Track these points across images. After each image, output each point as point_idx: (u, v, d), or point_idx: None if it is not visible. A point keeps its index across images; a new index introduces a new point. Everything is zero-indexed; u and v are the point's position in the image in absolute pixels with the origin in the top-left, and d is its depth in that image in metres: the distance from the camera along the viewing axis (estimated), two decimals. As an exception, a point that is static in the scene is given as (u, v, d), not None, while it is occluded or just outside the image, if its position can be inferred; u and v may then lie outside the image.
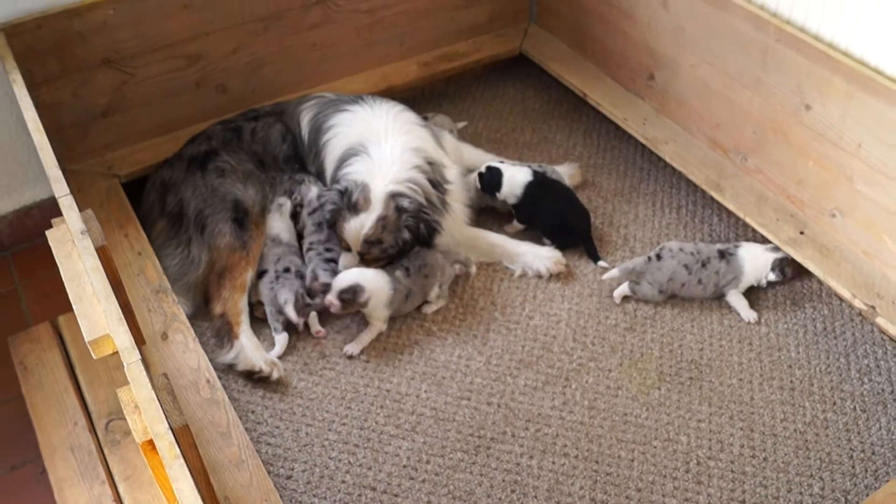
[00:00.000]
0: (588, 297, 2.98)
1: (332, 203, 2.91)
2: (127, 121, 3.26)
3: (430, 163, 2.98)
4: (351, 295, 2.78)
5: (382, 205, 2.83)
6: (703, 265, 2.91)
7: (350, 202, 2.85)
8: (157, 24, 3.12)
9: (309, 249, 3.01)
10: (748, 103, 3.04)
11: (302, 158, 3.19)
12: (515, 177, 3.16)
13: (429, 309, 2.95)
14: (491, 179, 3.17)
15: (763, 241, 3.04)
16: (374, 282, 2.83)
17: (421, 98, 3.87)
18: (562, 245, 3.14)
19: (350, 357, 2.82)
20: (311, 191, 3.07)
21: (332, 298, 2.80)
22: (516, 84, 3.99)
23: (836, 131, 2.78)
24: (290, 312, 2.82)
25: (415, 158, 2.94)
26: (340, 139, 3.05)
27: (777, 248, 2.97)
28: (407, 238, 2.87)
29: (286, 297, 2.84)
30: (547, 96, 3.90)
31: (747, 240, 3.11)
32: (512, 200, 3.17)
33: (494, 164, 3.22)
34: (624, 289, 2.95)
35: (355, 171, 2.92)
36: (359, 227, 2.84)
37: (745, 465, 2.50)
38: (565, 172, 3.38)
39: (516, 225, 3.22)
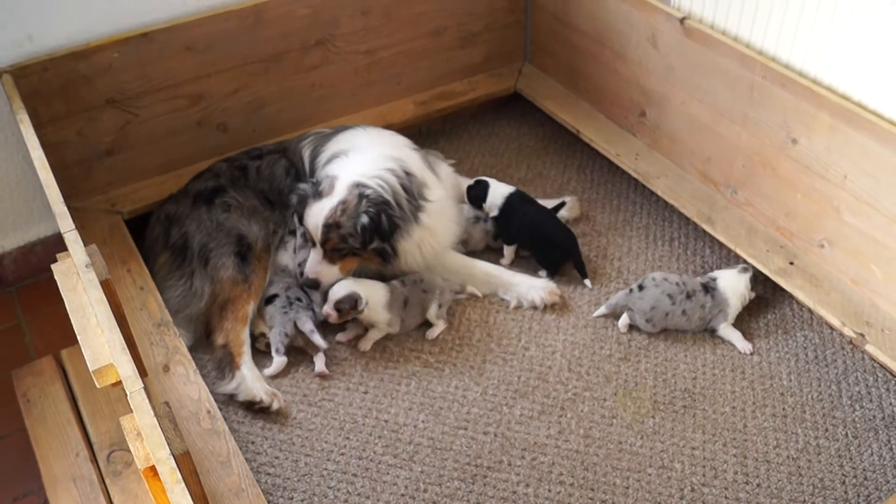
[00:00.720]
0: (583, 328, 3.02)
1: (301, 191, 2.97)
2: (130, 159, 3.33)
3: (408, 173, 3.01)
4: (347, 305, 2.86)
5: (346, 191, 2.88)
6: (688, 297, 2.95)
7: (317, 190, 2.91)
8: (161, 66, 3.21)
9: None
10: (737, 138, 3.11)
11: None
12: (498, 189, 3.27)
13: (431, 334, 3.00)
14: (478, 191, 3.28)
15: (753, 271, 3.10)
16: (367, 288, 2.91)
17: (418, 136, 3.93)
18: (552, 262, 3.21)
19: (363, 351, 2.95)
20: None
21: (328, 309, 2.87)
22: (511, 122, 4.07)
23: (822, 164, 2.84)
24: (318, 339, 2.89)
25: (389, 163, 2.99)
26: (328, 152, 3.13)
27: (746, 267, 3.05)
28: (365, 224, 2.85)
29: (311, 326, 2.91)
30: (541, 133, 3.98)
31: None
32: (494, 212, 3.25)
33: (483, 178, 3.33)
34: (625, 319, 2.99)
35: (329, 169, 3.00)
36: (319, 211, 2.88)
37: (738, 491, 2.53)
38: (564, 207, 3.45)
39: (509, 255, 3.27)
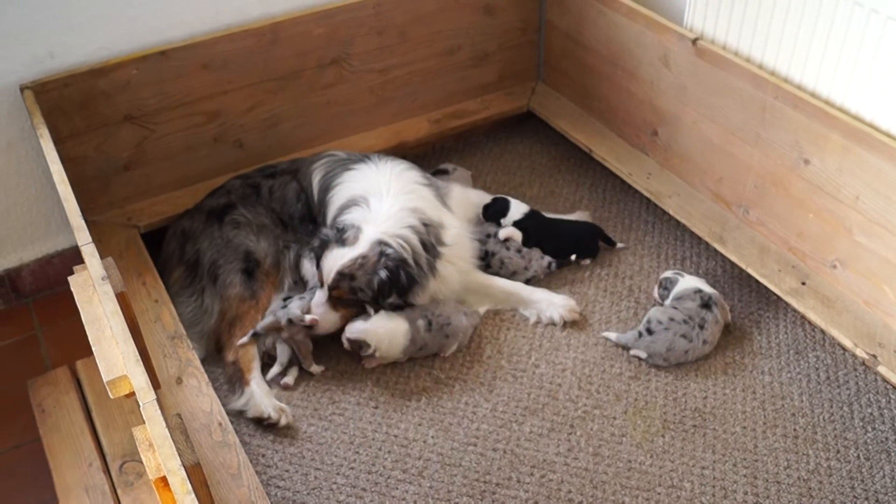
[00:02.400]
0: (593, 346, 3.03)
1: (325, 236, 2.98)
2: (147, 174, 3.37)
3: (426, 224, 3.02)
4: (354, 345, 2.88)
5: (368, 246, 2.89)
6: (702, 327, 2.95)
7: (341, 237, 2.92)
8: (178, 83, 3.25)
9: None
10: (749, 158, 3.12)
11: (314, 217, 3.27)
12: (520, 207, 3.36)
13: (443, 352, 3.01)
14: (497, 207, 3.34)
15: (765, 291, 3.12)
16: (390, 329, 2.91)
17: (431, 153, 3.98)
18: (589, 252, 3.36)
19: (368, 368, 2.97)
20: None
21: (344, 339, 2.90)
22: (524, 140, 4.09)
23: (834, 184, 2.85)
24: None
25: (410, 218, 2.99)
26: (343, 192, 3.13)
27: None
28: (382, 279, 2.86)
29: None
30: (554, 152, 4.00)
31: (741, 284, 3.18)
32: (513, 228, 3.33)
33: (500, 196, 3.41)
34: (640, 353, 2.98)
35: (352, 217, 3.00)
36: (338, 257, 2.89)
37: (748, 511, 2.54)
38: (577, 219, 3.49)
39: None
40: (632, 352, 2.98)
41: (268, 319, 2.93)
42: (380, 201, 3.03)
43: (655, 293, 3.17)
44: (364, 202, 3.04)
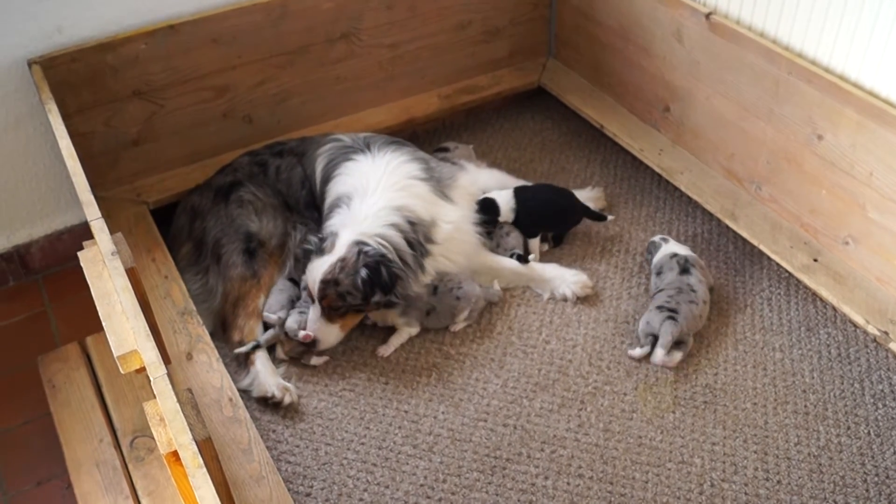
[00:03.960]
0: (604, 323, 3.02)
1: (308, 245, 2.95)
2: (156, 150, 3.36)
3: (413, 222, 2.95)
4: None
5: (345, 249, 2.84)
6: (693, 290, 2.94)
7: (319, 247, 2.89)
8: (187, 58, 3.23)
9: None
10: (762, 134, 3.10)
11: (317, 204, 3.24)
12: (502, 194, 3.27)
13: (454, 327, 3.00)
14: (488, 207, 3.24)
15: (777, 268, 3.11)
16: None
17: (441, 129, 3.96)
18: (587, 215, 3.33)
19: (382, 357, 2.94)
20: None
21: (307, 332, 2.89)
22: (535, 116, 4.07)
23: (847, 161, 2.83)
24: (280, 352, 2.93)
25: (392, 216, 2.93)
26: (335, 188, 3.09)
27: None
28: (364, 277, 2.79)
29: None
30: (565, 128, 3.98)
31: (758, 267, 3.17)
32: (512, 217, 3.25)
33: (484, 197, 3.29)
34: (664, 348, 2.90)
35: (332, 224, 2.97)
36: (319, 266, 2.84)
37: (758, 487, 2.52)
38: (589, 197, 3.47)
39: (536, 249, 3.28)
40: (657, 355, 2.88)
41: (270, 333, 2.91)
42: (362, 201, 2.97)
43: (646, 254, 3.23)
44: (346, 203, 2.99)
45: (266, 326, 2.96)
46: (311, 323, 2.87)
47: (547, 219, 3.29)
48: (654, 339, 2.87)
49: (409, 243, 2.92)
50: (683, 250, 3.10)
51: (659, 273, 3.06)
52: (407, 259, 2.90)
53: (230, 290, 2.98)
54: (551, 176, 3.67)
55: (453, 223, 3.08)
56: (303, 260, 2.99)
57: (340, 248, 2.85)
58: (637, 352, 2.88)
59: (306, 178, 3.23)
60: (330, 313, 2.86)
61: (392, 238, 2.89)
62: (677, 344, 2.87)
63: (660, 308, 2.90)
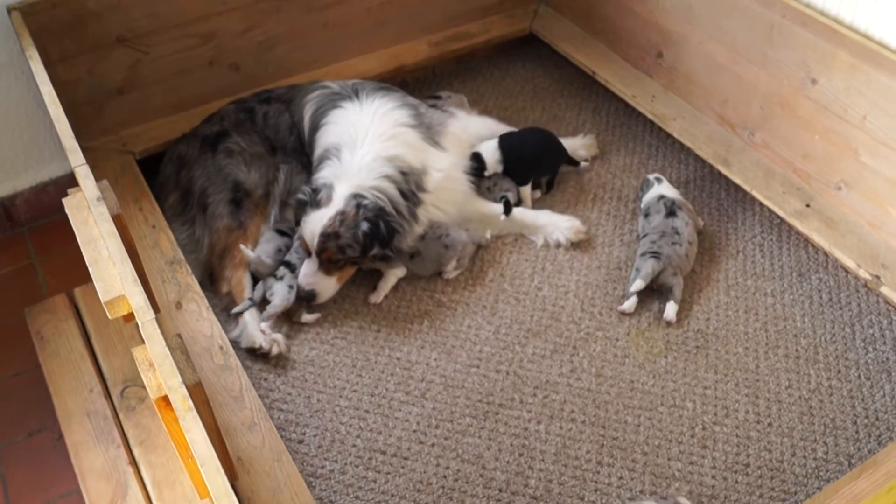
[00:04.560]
0: (596, 269, 3.01)
1: (301, 196, 2.92)
2: (141, 99, 3.31)
3: (404, 172, 2.93)
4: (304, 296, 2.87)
5: (344, 202, 2.82)
6: (678, 232, 2.94)
7: (314, 199, 2.86)
8: (171, 3, 3.17)
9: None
10: (755, 79, 3.07)
11: (306, 151, 3.20)
12: (486, 146, 3.22)
13: (448, 275, 2.99)
14: (474, 165, 3.20)
15: (769, 213, 3.10)
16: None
17: (432, 77, 3.91)
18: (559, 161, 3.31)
19: (374, 304, 2.92)
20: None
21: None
22: (526, 64, 4.02)
23: (841, 104, 2.80)
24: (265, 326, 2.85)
25: (385, 167, 2.90)
26: (324, 138, 3.06)
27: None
28: (365, 230, 2.78)
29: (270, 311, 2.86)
30: (557, 75, 3.93)
31: (750, 214, 3.16)
32: (500, 168, 3.21)
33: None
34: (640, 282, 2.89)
35: (324, 176, 2.93)
36: (317, 220, 2.82)
37: (749, 430, 2.53)
38: (582, 144, 3.44)
39: (527, 197, 3.25)
40: (634, 285, 2.87)
41: (259, 292, 2.89)
42: (352, 153, 2.94)
43: (638, 191, 3.23)
44: (336, 155, 2.95)
45: (254, 279, 2.94)
46: (308, 276, 2.85)
47: (537, 163, 3.26)
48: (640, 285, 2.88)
49: (403, 194, 2.90)
50: (672, 192, 3.09)
51: (647, 215, 3.05)
52: (402, 210, 2.89)
53: (216, 241, 2.95)
54: (543, 124, 3.63)
55: (444, 171, 3.05)
56: (296, 211, 2.96)
57: (338, 200, 2.83)
58: (626, 304, 2.86)
59: (294, 124, 3.19)
60: (328, 266, 2.85)
61: (387, 190, 2.87)
62: (666, 293, 2.86)
63: (643, 255, 2.90)
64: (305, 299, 2.87)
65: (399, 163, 2.94)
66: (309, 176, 3.09)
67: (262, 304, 2.86)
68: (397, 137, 3.01)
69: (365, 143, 2.96)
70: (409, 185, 2.93)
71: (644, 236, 2.98)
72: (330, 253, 2.82)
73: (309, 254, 2.87)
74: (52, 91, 2.52)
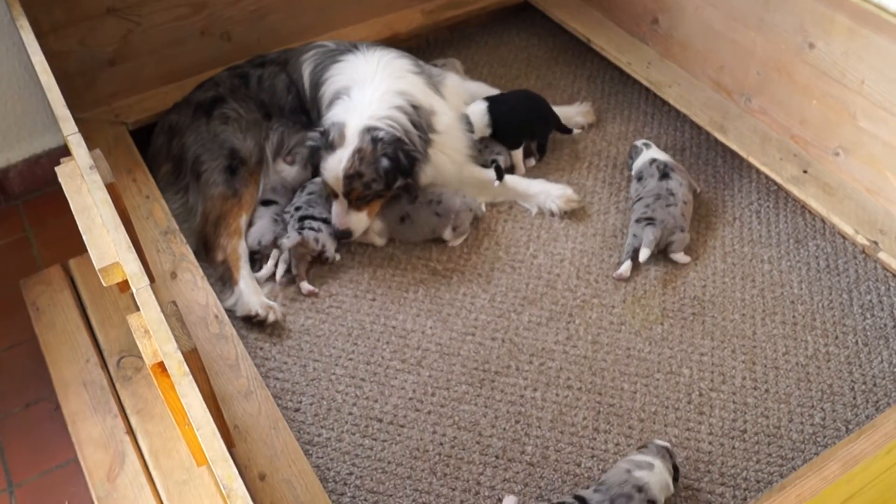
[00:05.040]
0: (592, 237, 3.00)
1: (312, 140, 2.91)
2: (133, 69, 3.29)
3: (415, 106, 2.94)
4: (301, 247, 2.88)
5: (358, 138, 2.81)
6: (672, 194, 2.93)
7: (327, 141, 2.85)
8: (162, -29, 3.15)
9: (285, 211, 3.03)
10: (752, 44, 3.05)
11: (307, 111, 3.20)
12: (475, 108, 3.19)
13: (454, 242, 2.98)
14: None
15: (766, 180, 3.09)
16: None
17: (425, 46, 3.88)
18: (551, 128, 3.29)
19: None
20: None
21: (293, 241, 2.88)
22: (521, 32, 3.99)
23: (839, 69, 2.79)
24: (280, 274, 2.89)
25: (396, 99, 2.90)
26: (331, 88, 3.04)
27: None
28: (387, 166, 2.80)
29: (283, 266, 2.90)
30: (551, 43, 3.91)
31: (745, 180, 3.15)
32: (489, 131, 3.19)
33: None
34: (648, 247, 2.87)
35: (334, 114, 2.92)
36: (336, 162, 2.82)
37: (746, 396, 2.53)
38: (578, 112, 3.43)
39: (519, 163, 3.23)
40: (642, 254, 2.84)
41: (254, 239, 2.91)
42: (362, 90, 2.94)
43: (628, 159, 3.22)
44: (346, 94, 2.96)
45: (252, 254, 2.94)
46: (340, 216, 2.88)
47: (526, 126, 3.23)
48: (637, 252, 2.86)
49: (415, 125, 2.91)
50: (663, 156, 3.07)
51: (640, 178, 3.04)
52: (415, 141, 2.89)
53: (211, 210, 2.93)
54: (539, 92, 3.56)
55: (450, 116, 3.07)
56: (311, 158, 2.95)
57: (352, 137, 2.82)
58: (622, 269, 2.86)
59: (292, 83, 3.17)
60: (357, 203, 2.88)
61: (399, 120, 2.87)
62: (674, 249, 2.87)
63: (638, 221, 2.89)
64: (342, 238, 2.92)
65: (409, 97, 2.95)
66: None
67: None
68: (404, 79, 3.03)
69: (374, 81, 2.97)
70: (421, 120, 2.94)
71: (638, 200, 2.97)
72: (357, 192, 2.84)
73: (335, 195, 2.88)
74: (43, 60, 2.50)
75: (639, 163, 3.10)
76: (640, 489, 2.16)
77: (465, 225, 2.97)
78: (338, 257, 2.93)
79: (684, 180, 2.99)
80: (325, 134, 2.87)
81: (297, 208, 2.95)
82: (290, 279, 2.88)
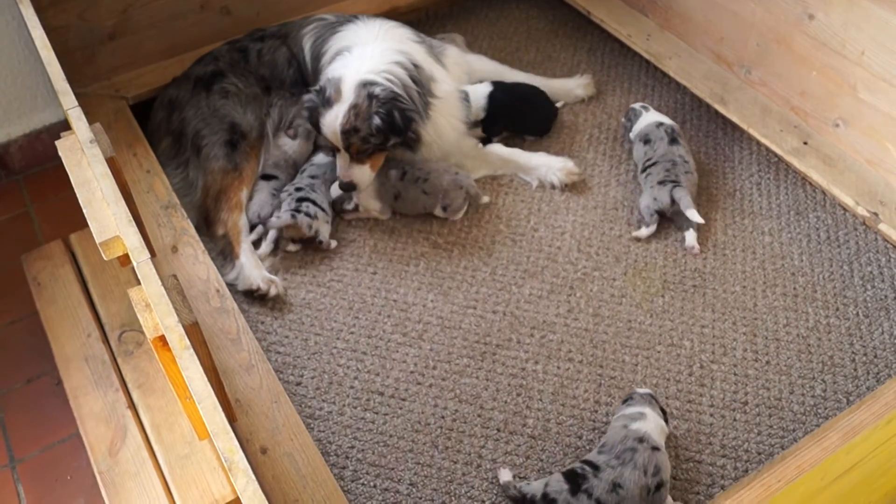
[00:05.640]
0: (593, 209, 3.00)
1: (309, 101, 2.90)
2: (133, 44, 3.28)
3: (416, 65, 2.92)
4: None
5: (353, 93, 2.80)
6: (686, 161, 2.96)
7: (324, 98, 2.84)
8: (161, -54, 3.13)
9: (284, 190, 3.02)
10: (751, 15, 3.03)
11: (308, 84, 3.18)
12: (477, 90, 3.19)
13: (455, 216, 2.98)
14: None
15: (766, 152, 3.08)
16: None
17: (425, 19, 3.86)
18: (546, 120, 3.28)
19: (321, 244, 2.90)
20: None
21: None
22: (520, 4, 3.97)
23: (839, 40, 2.77)
24: (264, 246, 2.89)
25: (396, 56, 2.89)
26: (329, 55, 3.03)
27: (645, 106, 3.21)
28: (378, 125, 2.78)
29: (273, 235, 2.91)
30: (551, 16, 3.89)
31: (745, 153, 3.15)
32: (482, 115, 3.19)
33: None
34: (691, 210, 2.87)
35: (332, 69, 2.91)
36: (333, 119, 2.81)
37: (747, 368, 2.54)
38: (578, 84, 3.41)
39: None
40: (693, 216, 2.83)
41: (254, 212, 2.92)
42: (363, 48, 2.93)
43: (623, 120, 3.21)
44: (346, 51, 2.95)
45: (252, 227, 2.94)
46: (344, 170, 2.89)
47: (517, 123, 3.24)
48: (661, 215, 2.88)
49: (415, 81, 2.89)
50: (668, 120, 3.08)
51: (647, 141, 3.03)
52: (414, 97, 2.87)
53: (211, 184, 2.93)
54: (537, 65, 3.60)
55: (450, 85, 3.06)
56: (310, 118, 2.93)
57: (348, 93, 2.81)
58: (643, 231, 2.87)
59: (293, 56, 3.16)
60: (359, 157, 2.88)
61: (399, 74, 2.86)
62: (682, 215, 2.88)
63: (662, 182, 2.87)
64: (347, 191, 2.92)
65: (410, 56, 2.94)
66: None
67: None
68: (405, 43, 3.02)
69: (375, 42, 2.97)
70: (421, 78, 2.93)
71: (652, 164, 2.96)
72: (356, 147, 2.84)
73: (337, 150, 2.90)
74: (43, 35, 2.48)
75: (641, 125, 3.09)
76: (640, 440, 2.20)
77: (457, 202, 2.94)
78: (333, 244, 2.91)
79: (686, 146, 3.00)
80: (321, 91, 2.86)
81: (298, 189, 2.94)
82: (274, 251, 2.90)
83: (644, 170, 2.98)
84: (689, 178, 2.89)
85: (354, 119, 2.78)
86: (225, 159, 2.94)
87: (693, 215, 2.81)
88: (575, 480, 2.16)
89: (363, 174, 2.90)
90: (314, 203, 2.90)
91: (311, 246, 2.90)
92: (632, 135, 3.12)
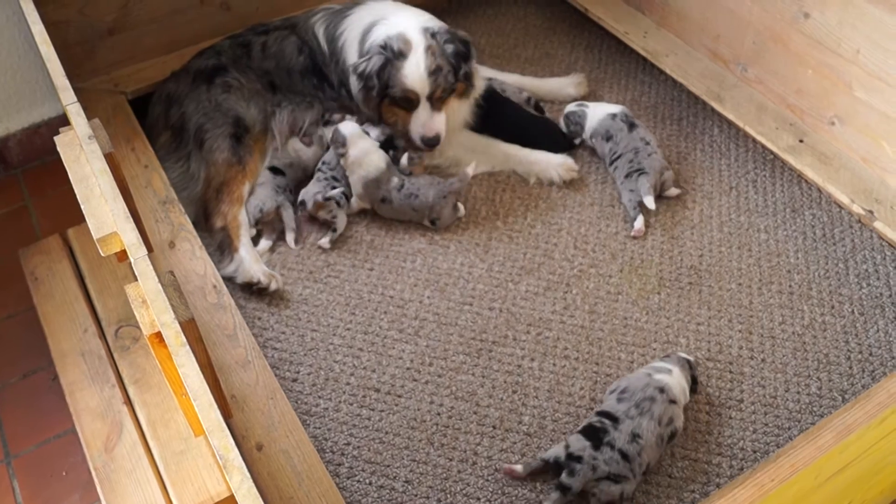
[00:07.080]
0: (589, 206, 3.01)
1: (378, 54, 2.91)
2: (133, 39, 3.28)
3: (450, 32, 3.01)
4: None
5: (423, 38, 2.89)
6: (647, 143, 3.01)
7: (394, 52, 2.88)
8: (160, -60, 3.13)
9: (318, 170, 3.03)
10: (748, 13, 3.04)
11: (320, 70, 3.17)
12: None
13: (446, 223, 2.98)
14: None
15: (762, 150, 3.10)
16: (361, 148, 2.97)
17: (423, 16, 3.86)
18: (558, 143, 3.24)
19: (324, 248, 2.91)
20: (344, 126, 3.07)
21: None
22: (518, 1, 3.98)
23: (834, 38, 2.78)
24: (290, 238, 2.92)
25: (431, 23, 2.99)
26: (355, 31, 3.05)
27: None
28: (453, 50, 2.92)
29: (291, 225, 2.93)
30: (549, 13, 3.89)
31: (741, 150, 3.15)
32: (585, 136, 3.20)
33: None
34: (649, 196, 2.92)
35: (384, 31, 2.95)
36: (415, 66, 2.87)
37: (743, 366, 2.55)
38: (571, 83, 3.42)
39: None
40: (648, 202, 2.89)
41: (255, 209, 2.92)
42: (396, 16, 3.00)
43: (570, 128, 3.19)
44: (383, 20, 3.00)
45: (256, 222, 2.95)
46: (429, 121, 2.95)
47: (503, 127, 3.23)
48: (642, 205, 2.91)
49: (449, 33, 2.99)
50: (616, 107, 3.11)
51: (609, 138, 3.05)
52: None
53: (214, 175, 2.93)
54: (535, 62, 3.61)
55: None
56: (380, 71, 2.91)
57: (417, 39, 2.90)
58: (637, 225, 2.89)
59: (304, 43, 3.16)
60: (436, 103, 2.96)
61: (440, 31, 2.96)
62: (665, 183, 2.95)
63: (629, 175, 2.93)
64: (432, 147, 3.00)
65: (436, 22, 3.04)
66: (321, 109, 3.17)
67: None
68: (425, 15, 3.08)
69: (403, 10, 3.06)
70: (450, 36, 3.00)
71: (617, 157, 3.00)
72: (441, 89, 2.92)
73: (414, 105, 2.95)
74: (42, 30, 2.49)
75: (593, 122, 3.11)
76: (661, 390, 2.27)
77: (446, 212, 2.93)
78: (327, 244, 2.90)
79: (643, 123, 3.03)
80: (386, 47, 2.89)
81: (334, 175, 2.99)
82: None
83: (611, 163, 3.02)
84: (654, 159, 2.94)
85: (434, 57, 2.87)
86: (229, 151, 2.95)
87: (649, 202, 2.87)
88: (595, 435, 2.22)
89: (442, 122, 2.99)
90: (343, 194, 2.94)
91: (311, 238, 2.91)
92: (587, 135, 3.13)
